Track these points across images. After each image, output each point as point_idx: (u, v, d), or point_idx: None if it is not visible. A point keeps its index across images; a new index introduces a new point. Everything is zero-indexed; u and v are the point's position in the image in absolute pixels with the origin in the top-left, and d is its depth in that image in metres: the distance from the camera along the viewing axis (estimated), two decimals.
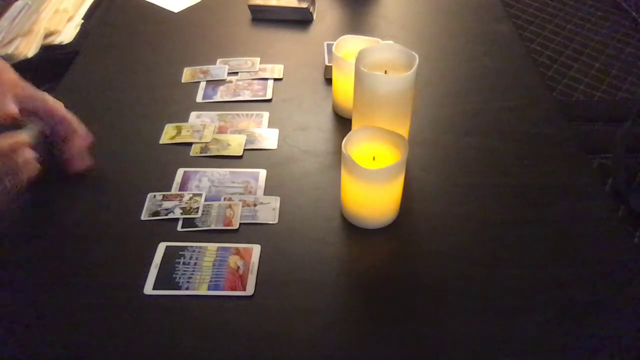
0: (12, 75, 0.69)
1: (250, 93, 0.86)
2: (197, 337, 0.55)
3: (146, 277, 0.60)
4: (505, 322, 0.57)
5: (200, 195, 0.69)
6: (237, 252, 0.63)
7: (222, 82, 0.88)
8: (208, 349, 0.55)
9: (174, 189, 0.70)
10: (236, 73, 0.90)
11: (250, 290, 0.59)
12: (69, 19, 1.13)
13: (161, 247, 0.63)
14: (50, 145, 0.69)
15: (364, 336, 0.56)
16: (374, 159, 0.64)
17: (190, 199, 0.69)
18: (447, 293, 0.60)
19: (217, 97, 0.85)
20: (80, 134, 0.70)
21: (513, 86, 0.87)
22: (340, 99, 0.80)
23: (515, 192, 0.70)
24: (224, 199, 0.69)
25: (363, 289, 0.61)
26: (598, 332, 0.56)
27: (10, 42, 1.08)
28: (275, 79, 0.88)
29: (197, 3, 1.07)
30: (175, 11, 1.05)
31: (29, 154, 0.63)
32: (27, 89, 0.68)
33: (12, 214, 0.66)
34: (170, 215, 0.67)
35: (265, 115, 0.82)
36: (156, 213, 0.67)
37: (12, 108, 0.65)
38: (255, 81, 0.88)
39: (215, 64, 0.92)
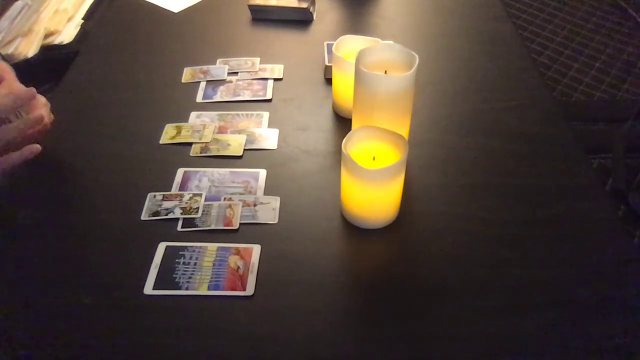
0: None
1: (250, 93, 0.86)
2: (197, 337, 0.55)
3: (146, 277, 0.60)
4: (505, 322, 0.57)
5: (200, 195, 0.69)
6: (237, 252, 0.63)
7: (222, 82, 0.88)
8: (208, 349, 0.55)
9: (174, 189, 0.70)
10: (236, 73, 0.90)
11: (250, 290, 0.59)
12: (69, 19, 1.13)
13: (161, 247, 0.63)
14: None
15: (364, 336, 0.56)
16: (374, 159, 0.64)
17: (190, 199, 0.69)
18: (447, 293, 0.60)
19: (217, 97, 0.85)
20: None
21: (513, 86, 0.87)
22: (340, 99, 0.80)
23: (515, 192, 0.70)
24: (224, 199, 0.69)
25: (363, 289, 0.61)
26: (598, 332, 0.56)
27: (10, 42, 1.08)
28: (275, 79, 0.88)
29: (197, 3, 1.07)
30: (175, 11, 1.05)
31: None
32: None
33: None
34: (170, 215, 0.67)
35: (265, 115, 0.82)
36: (156, 213, 0.67)
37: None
38: (255, 81, 0.88)
39: (215, 64, 0.91)
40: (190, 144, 0.77)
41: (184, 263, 0.62)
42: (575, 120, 0.82)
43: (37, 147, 0.68)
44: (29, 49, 1.08)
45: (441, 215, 0.68)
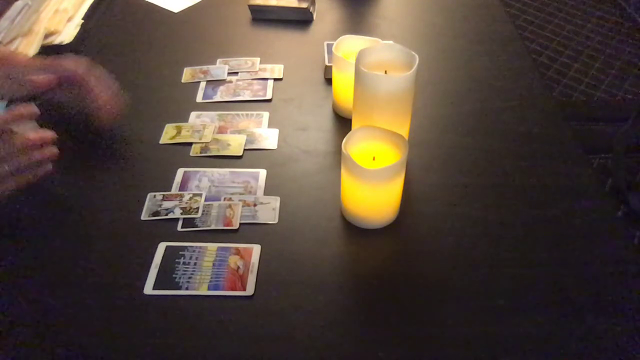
0: (21, 56, 0.75)
1: (250, 93, 0.86)
2: (197, 337, 0.55)
3: (146, 277, 0.60)
4: (505, 322, 0.57)
5: (200, 195, 0.69)
6: (237, 252, 0.63)
7: (222, 82, 0.88)
8: (208, 349, 0.55)
9: (174, 189, 0.70)
10: (236, 73, 0.90)
11: (250, 290, 0.59)
12: (69, 19, 1.13)
13: (161, 247, 0.63)
14: (81, 103, 0.73)
15: (364, 336, 0.56)
16: (374, 159, 0.64)
17: (190, 199, 0.69)
18: (447, 293, 0.60)
19: (217, 97, 0.85)
20: (101, 87, 0.74)
21: (513, 86, 0.87)
22: (340, 99, 0.80)
23: (515, 192, 0.70)
24: (224, 199, 0.69)
25: (363, 289, 0.61)
26: (598, 332, 0.56)
27: (10, 42, 1.08)
28: (275, 79, 0.88)
29: (197, 3, 1.07)
30: (175, 11, 1.05)
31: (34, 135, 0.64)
32: (41, 62, 0.73)
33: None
34: (170, 215, 0.67)
35: (265, 115, 0.82)
36: (156, 213, 0.67)
37: (42, 77, 0.69)
38: (255, 81, 0.88)
39: (215, 64, 0.92)
40: (190, 144, 0.77)
41: (184, 263, 0.62)
42: (575, 120, 0.82)
43: (49, 167, 0.66)
44: (29, 49, 1.08)
45: (441, 215, 0.68)
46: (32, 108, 0.64)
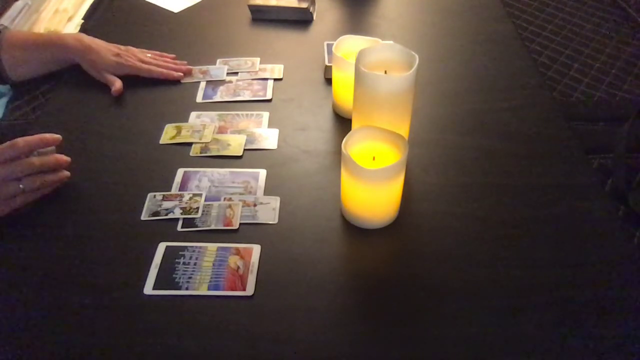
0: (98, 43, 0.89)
1: (250, 93, 0.86)
2: (197, 337, 0.55)
3: (146, 277, 0.60)
4: (505, 322, 0.57)
5: (200, 195, 0.69)
6: (237, 252, 0.63)
7: (222, 82, 0.88)
8: (208, 349, 0.55)
9: (174, 189, 0.70)
10: (236, 73, 0.90)
11: (250, 290, 0.59)
12: (69, 19, 1.13)
13: (161, 247, 0.63)
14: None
15: (364, 336, 0.56)
16: (374, 159, 0.64)
17: (190, 199, 0.69)
18: (447, 293, 0.60)
19: (217, 97, 0.85)
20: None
21: (513, 86, 0.87)
22: (340, 99, 0.80)
23: (515, 192, 0.70)
24: (224, 199, 0.69)
25: (363, 289, 0.61)
26: (598, 332, 0.56)
27: None
28: (275, 79, 0.88)
29: (197, 3, 1.07)
30: (175, 11, 1.05)
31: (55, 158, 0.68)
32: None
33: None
34: (170, 215, 0.67)
35: (265, 115, 0.82)
36: (156, 213, 0.67)
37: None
38: (255, 81, 0.88)
39: (215, 64, 0.92)
40: (190, 144, 0.77)
41: (184, 263, 0.62)
42: (575, 120, 0.82)
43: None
44: None
45: (441, 215, 0.68)
46: (56, 135, 0.68)
